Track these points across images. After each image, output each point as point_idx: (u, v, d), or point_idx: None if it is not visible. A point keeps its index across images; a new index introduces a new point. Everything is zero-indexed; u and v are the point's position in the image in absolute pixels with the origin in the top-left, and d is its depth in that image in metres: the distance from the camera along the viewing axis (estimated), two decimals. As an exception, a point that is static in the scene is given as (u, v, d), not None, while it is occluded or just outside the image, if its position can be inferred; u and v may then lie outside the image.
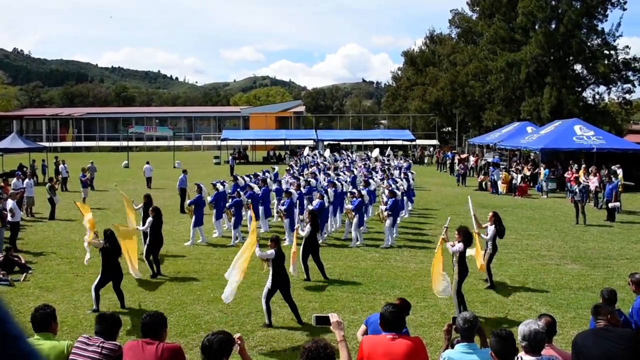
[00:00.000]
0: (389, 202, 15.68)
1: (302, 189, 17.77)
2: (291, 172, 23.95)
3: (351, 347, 8.25)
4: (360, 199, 15.96)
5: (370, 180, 19.43)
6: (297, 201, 16.00)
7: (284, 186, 19.25)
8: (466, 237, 9.57)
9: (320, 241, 14.84)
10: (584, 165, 26.63)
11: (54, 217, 20.11)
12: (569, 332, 8.95)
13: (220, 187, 16.99)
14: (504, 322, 9.16)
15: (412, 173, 23.82)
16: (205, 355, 3.98)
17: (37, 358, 1.05)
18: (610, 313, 5.20)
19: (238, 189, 17.32)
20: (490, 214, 12.25)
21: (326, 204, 16.08)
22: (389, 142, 50.50)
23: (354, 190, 17.12)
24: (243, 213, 16.99)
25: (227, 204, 16.49)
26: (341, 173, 23.03)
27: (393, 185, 17.55)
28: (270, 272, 9.41)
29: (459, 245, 9.46)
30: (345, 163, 31.04)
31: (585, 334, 5.01)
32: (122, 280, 10.33)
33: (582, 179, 23.86)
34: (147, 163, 30.97)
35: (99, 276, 10.09)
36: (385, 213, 15.54)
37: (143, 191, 22.14)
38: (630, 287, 6.91)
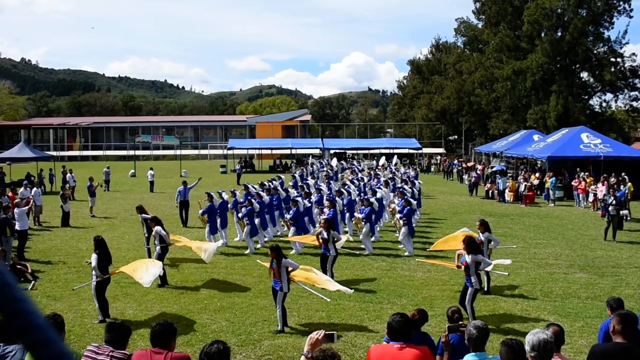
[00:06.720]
0: (404, 211, 15.65)
1: (312, 197, 17.75)
2: (298, 182, 23.95)
3: (358, 357, 8.26)
4: (370, 208, 15.92)
5: (377, 189, 19.39)
6: (306, 210, 16.00)
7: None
8: (471, 247, 9.61)
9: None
10: (594, 174, 26.53)
11: (68, 224, 20.42)
12: (578, 341, 8.90)
13: (220, 197, 17.16)
14: (511, 332, 9.10)
15: (419, 182, 23.73)
16: None
17: (71, 357, 1.05)
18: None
19: (249, 197, 17.35)
20: (478, 222, 12.18)
21: (338, 213, 16.09)
22: (395, 151, 50.46)
23: (364, 199, 17.08)
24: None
25: (240, 214, 16.53)
26: (348, 182, 22.98)
27: (410, 191, 17.53)
28: (286, 278, 9.48)
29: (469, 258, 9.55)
30: (354, 171, 30.91)
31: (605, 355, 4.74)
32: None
33: (593, 187, 23.81)
34: (151, 169, 33.57)
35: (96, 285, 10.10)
36: (401, 222, 15.52)
37: (149, 199, 22.28)
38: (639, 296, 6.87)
